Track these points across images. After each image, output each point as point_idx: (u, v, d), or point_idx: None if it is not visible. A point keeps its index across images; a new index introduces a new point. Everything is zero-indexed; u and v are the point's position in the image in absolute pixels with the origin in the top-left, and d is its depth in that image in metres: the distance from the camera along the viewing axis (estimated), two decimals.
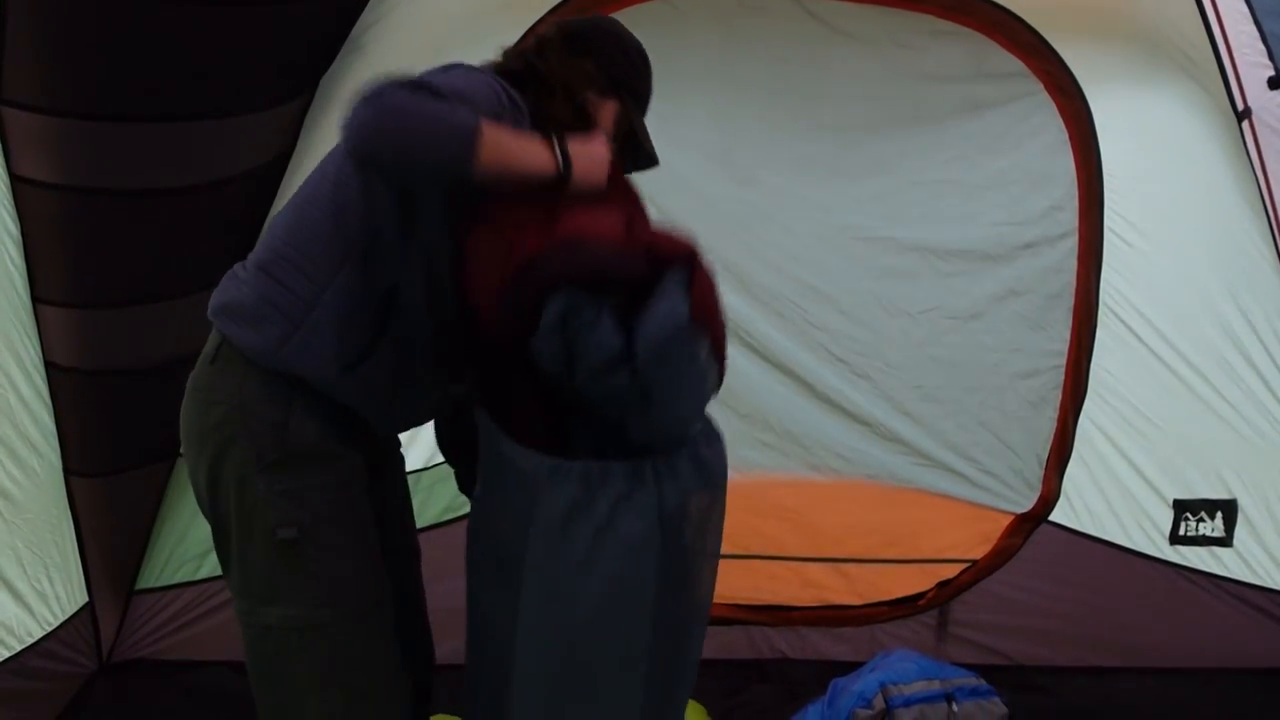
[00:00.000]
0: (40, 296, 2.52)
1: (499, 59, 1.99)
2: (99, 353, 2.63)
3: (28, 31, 2.14)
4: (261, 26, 2.31)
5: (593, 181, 1.80)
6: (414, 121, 1.61)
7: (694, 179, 2.99)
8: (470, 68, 1.86)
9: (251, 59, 2.37)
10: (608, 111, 1.99)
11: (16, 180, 2.37)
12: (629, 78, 2.03)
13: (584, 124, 1.94)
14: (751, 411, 3.18)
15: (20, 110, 2.25)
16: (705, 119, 2.99)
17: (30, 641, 2.64)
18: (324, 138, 2.68)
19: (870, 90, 3.01)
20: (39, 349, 2.58)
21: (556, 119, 1.90)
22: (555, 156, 1.75)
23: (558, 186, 1.76)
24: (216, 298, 1.82)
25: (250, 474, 1.74)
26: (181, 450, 1.86)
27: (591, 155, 1.81)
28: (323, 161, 1.84)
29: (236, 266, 1.85)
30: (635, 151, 2.05)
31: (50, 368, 2.61)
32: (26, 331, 2.54)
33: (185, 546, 2.96)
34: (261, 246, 1.83)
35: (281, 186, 2.71)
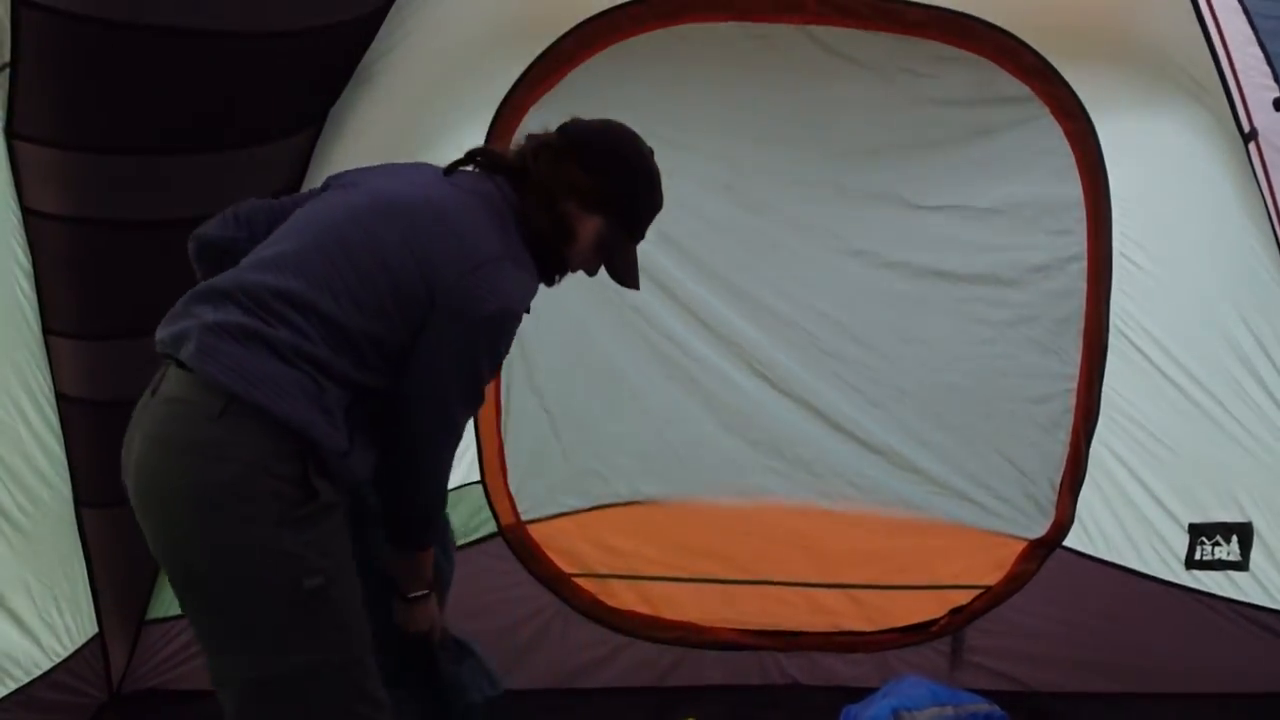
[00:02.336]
0: (51, 328, 2.54)
1: (508, 153, 2.04)
2: (109, 383, 2.63)
3: (39, 66, 2.16)
4: (271, 58, 2.34)
5: (413, 627, 2.11)
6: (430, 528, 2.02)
7: (703, 206, 3.01)
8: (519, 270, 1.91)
9: (261, 91, 2.40)
10: (588, 228, 1.99)
11: (28, 213, 2.39)
12: (623, 197, 2.01)
13: (562, 235, 1.98)
14: (762, 438, 3.18)
15: (32, 144, 2.28)
16: (714, 147, 3.01)
17: (38, 673, 2.63)
18: (334, 167, 2.69)
19: (878, 116, 3.02)
20: (49, 380, 2.59)
21: (534, 224, 1.95)
22: (419, 592, 2.08)
23: (401, 599, 2.08)
24: (222, 359, 1.71)
25: (273, 530, 1.70)
26: (159, 504, 1.73)
27: (424, 620, 2.11)
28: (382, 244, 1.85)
29: (239, 317, 1.75)
30: (618, 270, 2.08)
31: (60, 399, 2.62)
32: (37, 363, 2.55)
33: None
34: (278, 299, 1.78)
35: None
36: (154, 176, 2.39)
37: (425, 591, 2.08)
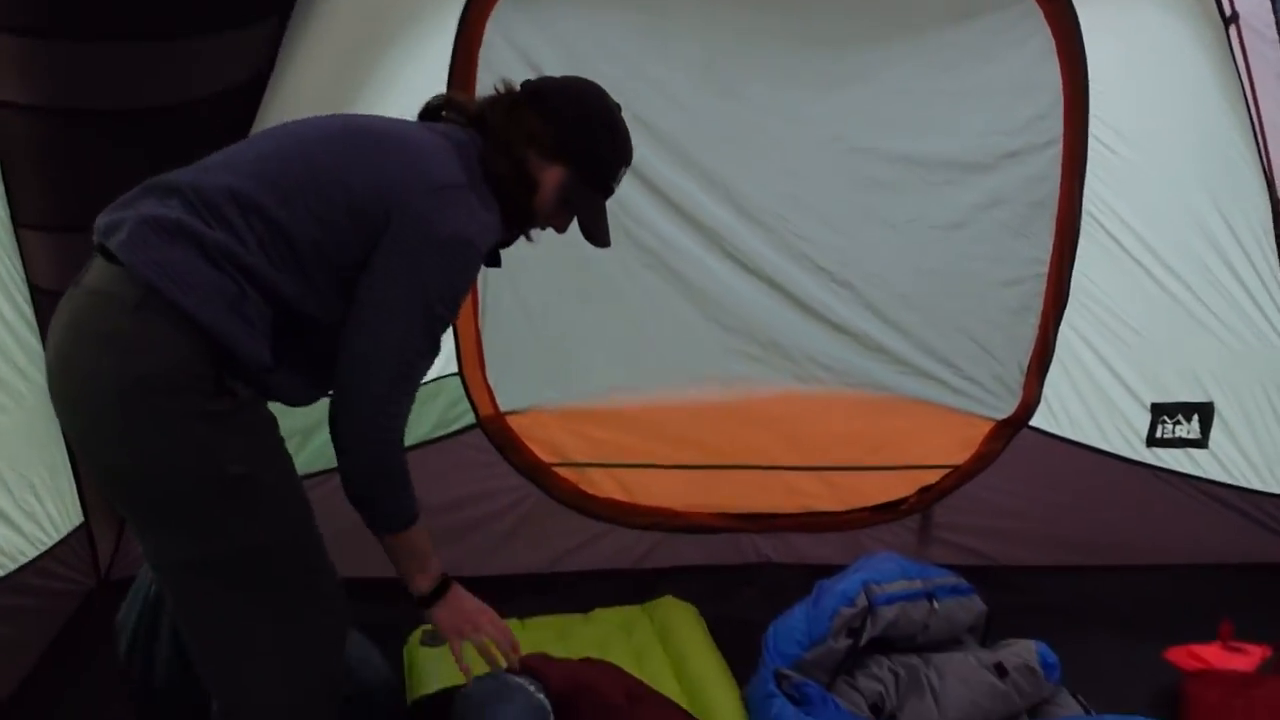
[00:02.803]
0: (22, 221, 2.50)
1: (469, 103, 2.01)
2: (65, 276, 2.61)
3: None
4: None
5: (452, 632, 1.99)
6: (385, 499, 1.87)
7: (678, 92, 2.96)
8: (468, 197, 1.84)
9: None
10: (550, 178, 1.95)
11: None
12: (583, 146, 1.97)
13: (523, 183, 1.93)
14: (737, 324, 3.20)
15: None
16: (689, 32, 2.94)
17: (24, 561, 2.66)
18: (301, 57, 2.65)
19: (856, 1, 2.97)
20: (22, 273, 2.57)
21: (499, 175, 1.91)
22: (430, 586, 1.96)
23: (418, 603, 1.97)
24: (146, 251, 1.67)
25: (192, 423, 1.68)
26: (72, 397, 1.71)
27: (460, 619, 1.99)
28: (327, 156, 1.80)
29: (174, 210, 1.72)
30: (585, 225, 2.03)
31: (35, 291, 2.60)
32: (9, 256, 2.52)
33: None
34: (227, 200, 1.73)
35: (261, 106, 2.67)
36: (118, 64, 2.32)
37: (436, 581, 1.96)
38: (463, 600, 2.00)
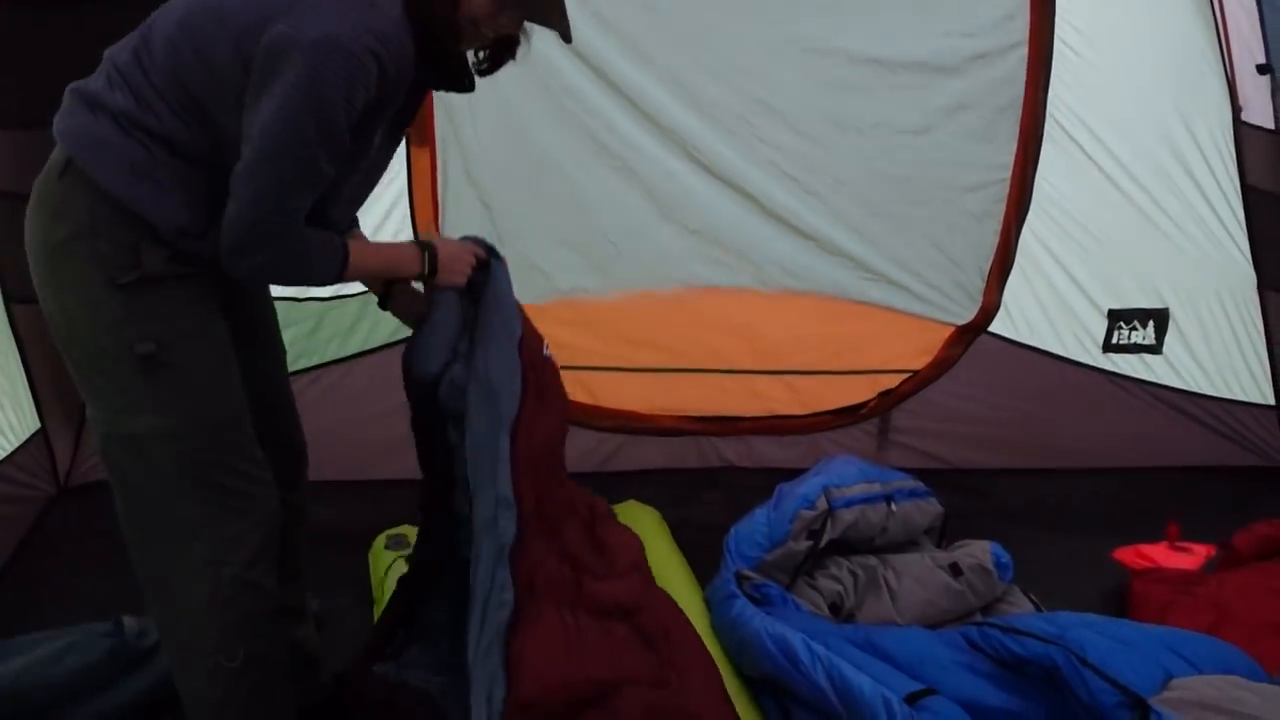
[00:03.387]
0: None
1: None
2: (20, 174, 2.54)
3: None
4: None
5: (452, 282, 2.04)
6: (289, 270, 1.86)
7: None
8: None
9: None
10: None
11: None
12: None
13: (451, 8, 1.76)
14: (701, 227, 3.18)
15: None
16: None
17: None
18: None
19: None
20: None
21: (435, 15, 1.76)
22: (422, 264, 1.99)
23: (423, 280, 2.03)
24: (65, 120, 1.75)
25: (100, 291, 1.72)
26: (28, 259, 1.78)
27: (454, 263, 2.03)
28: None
29: (95, 82, 1.75)
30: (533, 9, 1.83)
31: None
32: None
33: None
34: (130, 62, 1.74)
35: None
36: None
37: (421, 260, 1.99)
38: (447, 249, 2.05)
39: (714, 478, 3.37)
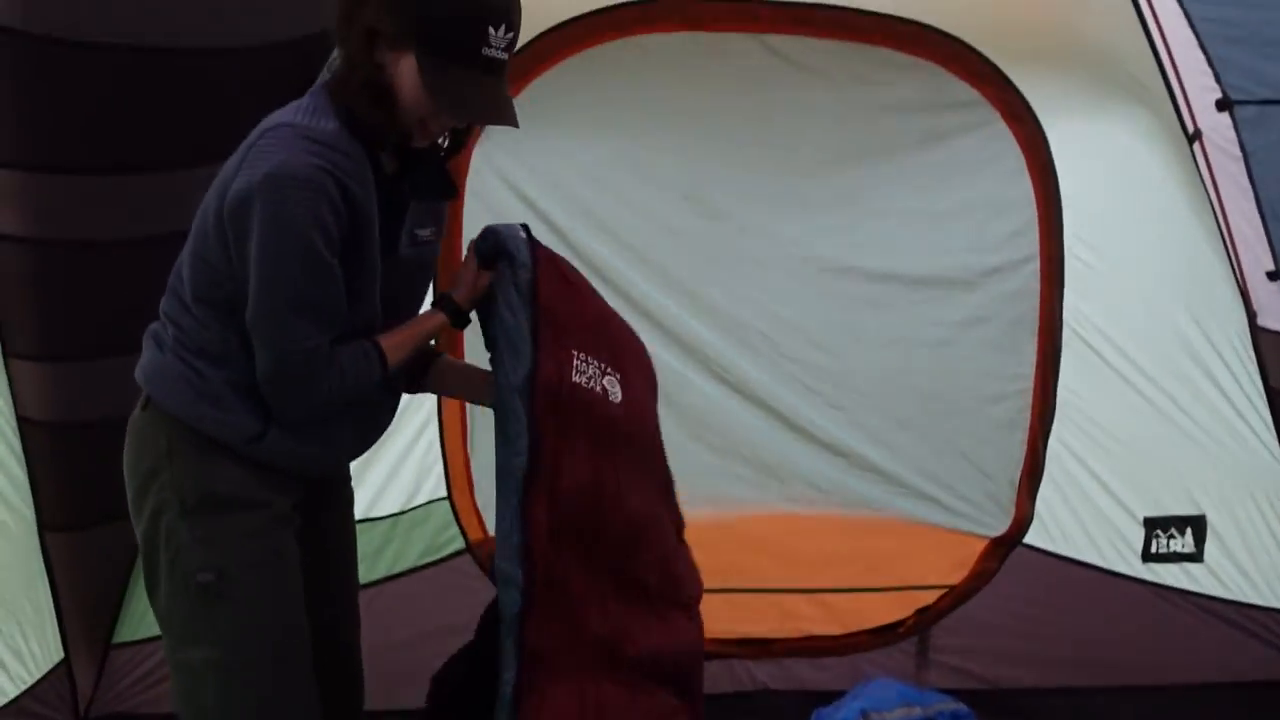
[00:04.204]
0: (11, 351, 2.52)
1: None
2: (71, 405, 2.62)
3: None
4: (231, 75, 2.33)
5: (473, 297, 1.97)
6: (335, 396, 1.79)
7: (663, 214, 3.04)
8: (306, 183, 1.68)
9: (221, 107, 2.37)
10: (405, 70, 1.70)
11: None
12: (417, 15, 1.68)
13: (377, 96, 1.71)
14: (726, 445, 3.19)
15: None
16: (673, 156, 3.03)
17: (3, 701, 2.60)
18: None
19: (833, 123, 3.06)
20: (10, 403, 2.57)
21: (345, 99, 1.73)
22: (444, 316, 1.96)
23: (458, 324, 1.98)
24: (141, 361, 1.88)
25: (174, 519, 1.78)
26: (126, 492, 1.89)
27: (474, 292, 1.97)
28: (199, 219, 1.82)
29: (153, 327, 1.89)
30: (460, 107, 1.75)
31: (22, 422, 2.59)
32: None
33: None
34: (169, 300, 1.87)
35: None
36: (116, 196, 2.38)
37: (445, 315, 1.95)
38: (460, 289, 1.97)
39: (749, 702, 3.24)
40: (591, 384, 1.98)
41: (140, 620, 2.95)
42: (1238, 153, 2.89)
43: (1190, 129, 2.92)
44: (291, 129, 1.70)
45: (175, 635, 1.84)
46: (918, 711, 2.69)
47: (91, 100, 2.21)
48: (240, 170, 1.70)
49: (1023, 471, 3.25)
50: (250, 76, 2.39)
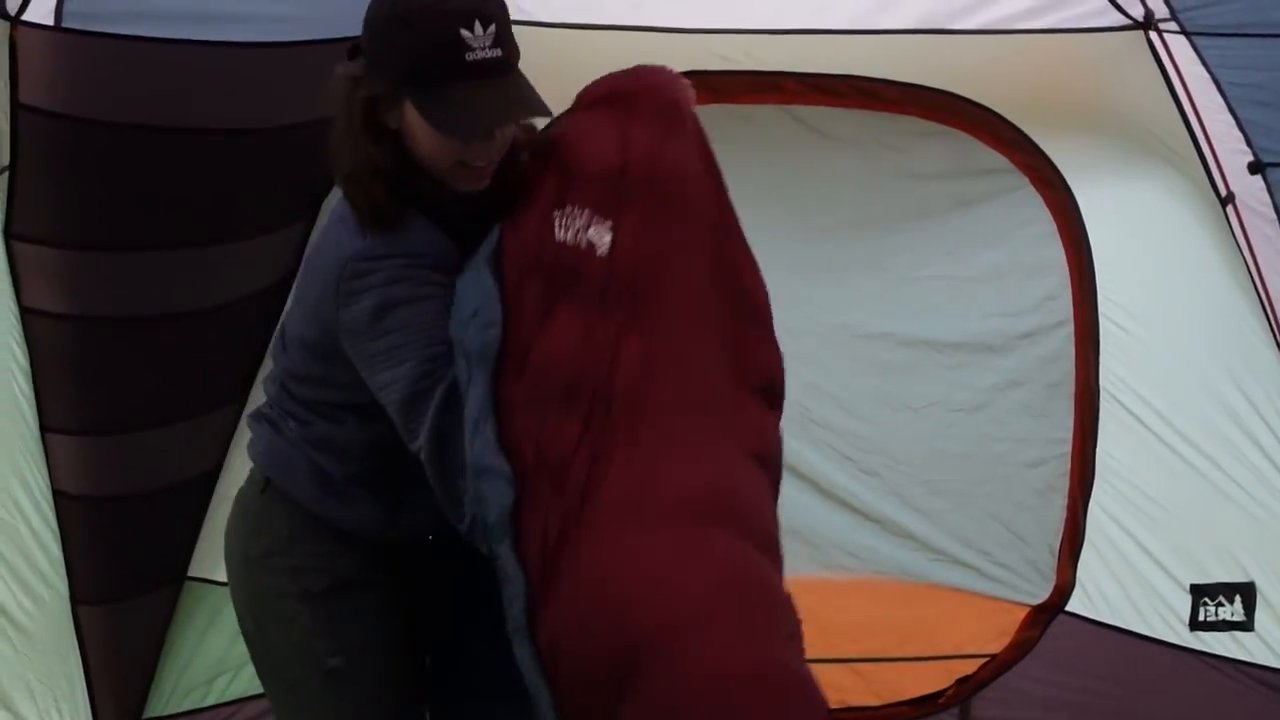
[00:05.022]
0: (48, 425, 2.54)
1: None
2: (106, 479, 2.64)
3: (38, 168, 2.20)
4: (265, 152, 2.37)
5: None
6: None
7: None
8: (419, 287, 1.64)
9: (257, 186, 2.43)
10: (412, 122, 1.61)
11: (26, 312, 2.41)
12: (385, 55, 1.58)
13: (396, 152, 1.63)
14: None
15: (31, 244, 2.31)
16: None
17: None
18: None
19: (860, 191, 3.07)
20: (47, 479, 2.59)
21: (417, 194, 1.65)
22: None
23: None
24: (255, 445, 1.89)
25: (296, 605, 1.79)
26: (227, 572, 1.91)
27: None
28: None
29: (263, 409, 1.92)
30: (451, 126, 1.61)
31: (58, 495, 2.61)
32: (35, 461, 2.55)
33: (192, 672, 2.92)
34: (281, 395, 1.88)
35: (287, 308, 2.74)
36: (155, 273, 2.41)
37: None
38: None
39: None
40: (577, 239, 1.68)
41: (171, 694, 2.95)
42: (1272, 215, 2.87)
43: (1223, 192, 2.91)
44: (379, 250, 1.63)
45: (297, 717, 1.85)
46: None
47: (128, 180, 2.26)
48: (340, 314, 1.65)
49: (1063, 537, 3.20)
50: (286, 155, 2.43)
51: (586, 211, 1.69)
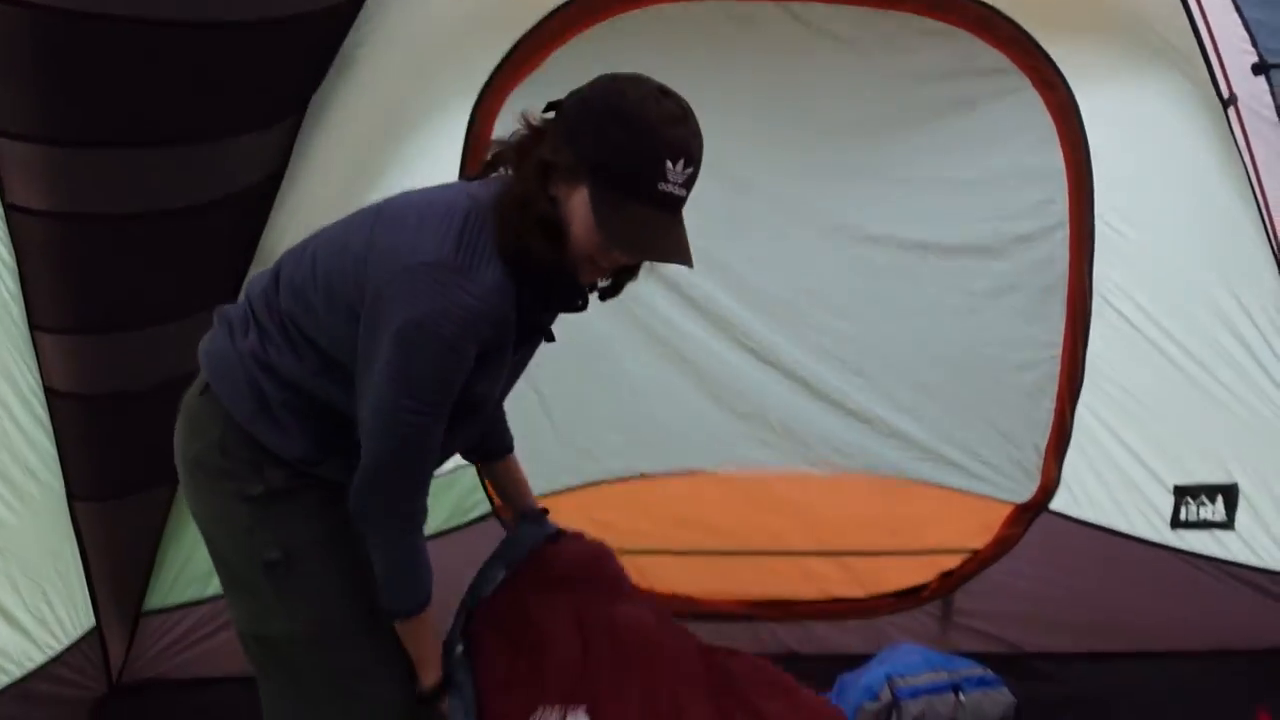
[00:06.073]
0: (37, 324, 2.53)
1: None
2: (97, 377, 2.63)
3: (13, 62, 2.14)
4: (251, 49, 2.31)
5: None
6: (381, 554, 1.82)
7: None
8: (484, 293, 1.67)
9: (242, 81, 2.37)
10: (577, 204, 1.67)
11: (10, 209, 2.37)
12: (591, 146, 1.65)
13: (547, 231, 1.68)
14: (751, 411, 3.20)
15: (12, 140, 2.25)
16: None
17: (32, 667, 2.65)
18: (315, 157, 2.68)
19: (860, 92, 3.01)
20: (37, 376, 2.58)
21: (510, 233, 1.70)
22: (434, 682, 1.93)
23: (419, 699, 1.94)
24: (207, 344, 1.89)
25: (233, 504, 1.82)
26: (177, 468, 1.93)
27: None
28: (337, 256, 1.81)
29: (235, 310, 1.89)
30: (632, 243, 1.70)
31: (49, 394, 2.61)
32: (25, 359, 2.54)
33: (193, 565, 2.96)
34: (260, 299, 1.86)
35: (274, 207, 2.71)
36: (136, 170, 2.36)
37: (433, 684, 1.93)
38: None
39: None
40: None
41: (171, 587, 3.00)
42: (1274, 117, 2.85)
43: (1225, 94, 2.87)
44: (454, 276, 1.65)
45: (248, 612, 1.88)
46: (944, 677, 2.69)
47: (105, 74, 2.19)
48: (384, 291, 1.68)
49: (1050, 437, 3.24)
50: (267, 51, 2.38)
51: (557, 709, 1.92)
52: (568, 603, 2.06)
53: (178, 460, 1.91)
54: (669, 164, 1.63)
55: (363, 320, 1.71)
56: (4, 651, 2.56)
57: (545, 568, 2.13)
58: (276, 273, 1.87)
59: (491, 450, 2.27)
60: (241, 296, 1.92)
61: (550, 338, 1.96)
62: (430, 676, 1.93)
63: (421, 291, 1.64)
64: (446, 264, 1.66)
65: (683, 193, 1.68)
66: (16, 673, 2.59)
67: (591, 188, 1.65)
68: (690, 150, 1.66)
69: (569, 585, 2.11)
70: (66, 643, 2.77)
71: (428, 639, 1.93)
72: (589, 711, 1.92)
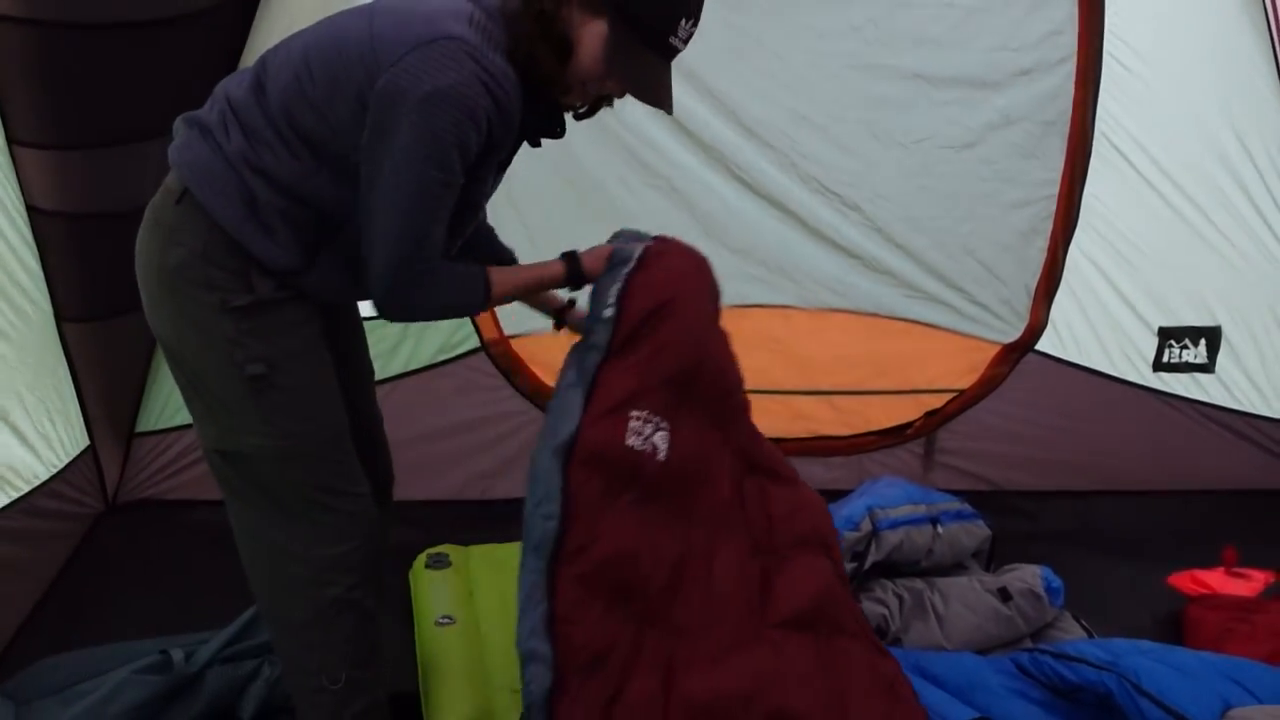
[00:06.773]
0: (15, 138, 2.45)
1: None
2: (82, 195, 2.58)
3: None
4: None
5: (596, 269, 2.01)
6: (438, 306, 1.92)
7: None
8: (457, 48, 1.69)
9: None
10: (591, 34, 1.77)
11: None
12: (636, 4, 1.75)
13: (554, 45, 1.76)
14: (742, 246, 3.17)
15: None
16: None
17: (37, 483, 2.67)
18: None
19: None
20: (19, 192, 2.52)
21: (519, 35, 1.74)
22: (562, 270, 2.00)
23: (574, 284, 2.03)
24: (183, 152, 1.80)
25: (214, 315, 1.78)
26: (137, 275, 1.84)
27: (600, 263, 2.02)
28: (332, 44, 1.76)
29: (209, 115, 1.81)
30: (635, 84, 1.82)
31: (33, 212, 2.56)
32: (5, 175, 2.48)
33: None
34: (244, 101, 1.79)
35: (255, 21, 2.62)
36: None
37: (565, 275, 2.00)
38: (591, 254, 2.04)
39: None
40: (645, 444, 1.94)
41: (162, 410, 3.02)
42: None
43: None
44: (467, 51, 1.69)
45: (219, 426, 1.85)
46: (923, 510, 2.73)
47: None
48: (397, 65, 1.67)
49: (1040, 278, 3.23)
50: None
51: (655, 419, 1.94)
52: (697, 313, 2.11)
53: (146, 273, 1.83)
54: (683, 20, 1.78)
55: (374, 103, 1.69)
56: (14, 468, 2.58)
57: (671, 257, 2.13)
58: (258, 74, 1.80)
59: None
60: (214, 101, 1.83)
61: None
62: (553, 279, 2.03)
63: (445, 63, 1.68)
64: (467, 41, 1.70)
65: (684, 48, 1.82)
66: (24, 488, 2.61)
67: (610, 25, 1.76)
68: (700, 11, 1.81)
69: (700, 296, 2.15)
70: (66, 460, 2.79)
71: (524, 280, 2.01)
72: (670, 433, 1.96)
